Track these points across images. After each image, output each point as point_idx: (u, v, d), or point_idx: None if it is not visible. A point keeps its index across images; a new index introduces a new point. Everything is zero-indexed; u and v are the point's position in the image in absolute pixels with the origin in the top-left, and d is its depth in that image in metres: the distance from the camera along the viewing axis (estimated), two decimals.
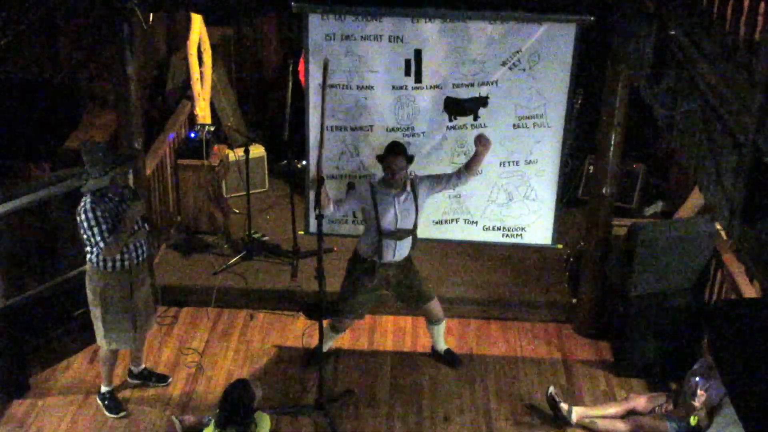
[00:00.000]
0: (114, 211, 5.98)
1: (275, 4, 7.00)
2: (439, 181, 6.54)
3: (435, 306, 6.90)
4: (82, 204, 5.93)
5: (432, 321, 7.02)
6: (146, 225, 6.32)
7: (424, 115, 6.70)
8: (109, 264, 6.07)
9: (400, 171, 6.32)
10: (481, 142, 6.42)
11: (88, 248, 6.04)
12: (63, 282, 6.77)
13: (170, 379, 6.89)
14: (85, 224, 5.90)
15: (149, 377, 6.84)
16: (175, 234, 8.43)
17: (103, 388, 6.61)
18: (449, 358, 7.18)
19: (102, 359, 6.54)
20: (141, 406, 6.64)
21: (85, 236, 5.97)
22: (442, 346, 7.20)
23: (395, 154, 6.32)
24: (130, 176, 6.51)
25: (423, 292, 6.84)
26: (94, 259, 6.07)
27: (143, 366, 6.84)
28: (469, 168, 6.51)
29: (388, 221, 6.41)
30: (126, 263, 6.13)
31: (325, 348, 6.95)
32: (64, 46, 8.89)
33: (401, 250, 6.55)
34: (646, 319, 6.83)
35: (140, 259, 6.24)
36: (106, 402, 6.58)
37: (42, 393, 6.72)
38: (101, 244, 5.92)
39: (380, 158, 6.40)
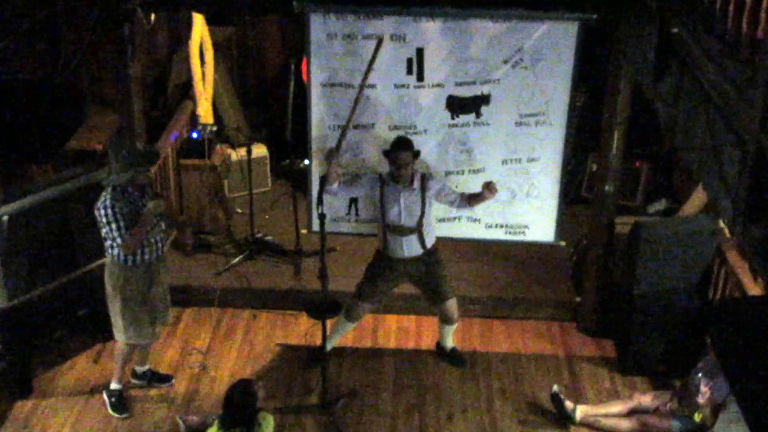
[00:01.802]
0: (133, 206, 6.02)
1: (277, 4, 7.00)
2: (447, 194, 6.59)
3: (452, 306, 6.89)
4: (102, 199, 5.97)
5: (445, 320, 7.00)
6: (163, 224, 6.33)
7: (427, 113, 6.70)
8: (130, 258, 6.11)
9: (405, 166, 6.32)
10: (489, 188, 6.43)
11: (108, 242, 6.08)
12: (67, 282, 6.77)
13: (173, 380, 6.89)
14: (104, 219, 5.95)
15: (152, 378, 6.83)
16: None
17: (113, 385, 6.60)
18: (454, 358, 7.17)
19: (118, 354, 6.53)
20: (145, 406, 6.65)
21: (103, 231, 6.01)
22: (449, 344, 7.20)
23: (401, 149, 6.33)
24: None
25: (442, 291, 6.80)
26: (114, 253, 6.10)
27: (147, 366, 6.84)
28: (469, 201, 6.58)
29: (392, 216, 6.43)
30: (146, 257, 6.16)
31: (334, 342, 6.96)
32: (65, 46, 8.88)
33: (409, 246, 6.54)
34: (649, 317, 6.82)
35: (159, 253, 6.29)
36: (113, 399, 6.57)
37: (45, 393, 6.73)
38: (118, 240, 5.97)
39: (386, 153, 6.41)
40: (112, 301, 6.29)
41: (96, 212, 5.99)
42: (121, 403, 6.58)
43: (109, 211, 5.92)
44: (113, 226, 5.94)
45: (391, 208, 6.43)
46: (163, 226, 6.35)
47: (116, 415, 6.53)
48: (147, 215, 6.02)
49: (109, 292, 6.28)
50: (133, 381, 6.83)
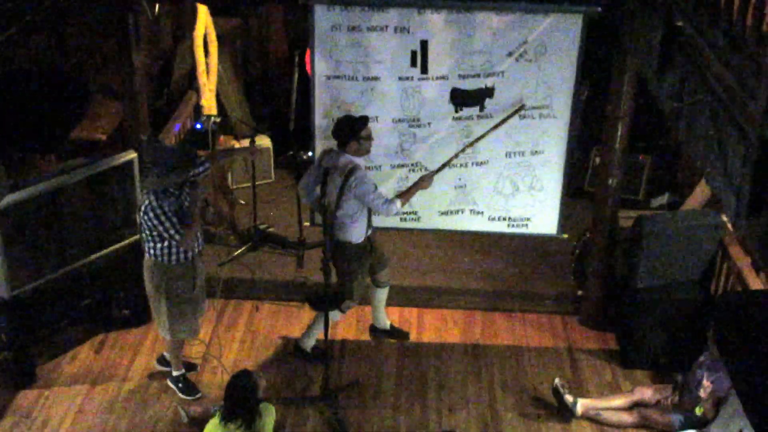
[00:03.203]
0: (177, 204, 6.03)
1: None
2: None
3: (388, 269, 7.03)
4: (146, 202, 5.98)
5: (382, 284, 7.03)
6: (209, 204, 6.35)
7: (430, 105, 6.70)
8: (173, 257, 6.13)
9: None
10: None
11: (152, 243, 6.08)
12: (69, 272, 6.78)
13: (199, 368, 6.95)
14: (155, 221, 5.95)
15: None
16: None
17: (175, 373, 6.67)
18: (397, 333, 7.27)
19: (170, 348, 6.60)
20: (147, 396, 6.66)
21: (154, 232, 6.01)
22: (386, 322, 7.26)
23: (367, 121, 6.38)
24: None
25: (385, 253, 7.00)
26: (158, 253, 6.11)
27: None
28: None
29: None
30: (189, 254, 6.19)
31: (318, 336, 7.01)
32: (70, 37, 8.90)
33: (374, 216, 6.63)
34: (652, 310, 6.82)
35: (200, 248, 6.34)
36: (179, 386, 6.65)
37: (48, 383, 6.74)
38: (177, 237, 5.99)
39: (355, 133, 6.28)
40: (155, 301, 6.32)
41: (144, 216, 5.99)
42: (189, 385, 6.66)
43: (159, 211, 5.94)
44: (167, 224, 5.95)
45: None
46: (211, 210, 6.40)
47: (189, 398, 6.59)
48: (192, 206, 6.05)
49: (151, 293, 6.32)
50: (159, 368, 6.88)
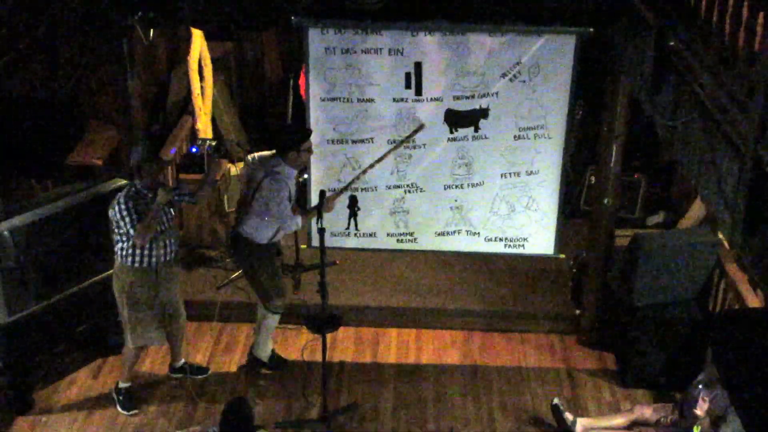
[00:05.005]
0: (146, 206, 6.13)
1: (275, 19, 7.04)
2: None
3: None
4: (116, 198, 6.14)
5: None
6: (173, 212, 6.41)
7: (425, 127, 6.71)
8: (137, 260, 6.21)
9: None
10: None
11: (119, 244, 6.21)
12: (66, 298, 6.76)
13: (210, 371, 7.03)
14: (117, 216, 6.08)
15: (190, 371, 6.92)
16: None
17: (121, 384, 6.71)
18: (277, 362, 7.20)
19: (124, 356, 6.65)
20: (146, 421, 6.63)
21: (116, 230, 6.14)
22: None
23: (310, 135, 6.48)
24: None
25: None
26: (123, 254, 6.21)
27: (183, 361, 6.94)
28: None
29: (292, 203, 6.53)
30: (153, 260, 6.25)
31: (271, 345, 7.09)
32: (65, 62, 8.92)
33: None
34: (650, 329, 6.82)
35: (167, 258, 6.35)
36: (121, 398, 6.68)
37: (46, 409, 6.71)
38: (131, 232, 6.07)
39: (296, 144, 6.36)
40: (119, 304, 6.41)
41: (110, 212, 6.14)
42: (130, 401, 6.68)
43: (123, 206, 6.07)
44: (126, 219, 6.06)
45: (292, 195, 6.52)
46: (175, 217, 6.44)
47: (125, 413, 6.60)
48: (156, 205, 6.11)
49: (117, 296, 6.41)
50: (172, 375, 6.99)
